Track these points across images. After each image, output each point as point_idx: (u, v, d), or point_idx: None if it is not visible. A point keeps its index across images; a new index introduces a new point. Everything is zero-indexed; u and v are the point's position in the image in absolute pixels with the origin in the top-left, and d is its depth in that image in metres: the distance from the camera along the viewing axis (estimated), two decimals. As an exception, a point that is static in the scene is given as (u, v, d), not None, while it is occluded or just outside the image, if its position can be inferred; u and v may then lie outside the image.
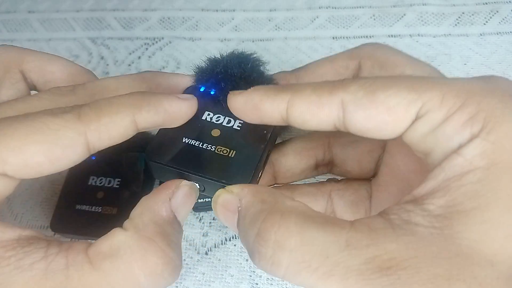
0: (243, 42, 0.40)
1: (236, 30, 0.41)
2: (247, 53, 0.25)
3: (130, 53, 0.41)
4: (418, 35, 0.38)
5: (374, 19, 0.39)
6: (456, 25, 0.38)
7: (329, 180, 0.26)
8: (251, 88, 0.20)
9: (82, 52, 0.42)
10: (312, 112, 0.18)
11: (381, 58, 0.23)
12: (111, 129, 0.19)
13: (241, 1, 0.43)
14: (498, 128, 0.16)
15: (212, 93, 0.24)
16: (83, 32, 0.43)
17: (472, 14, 0.38)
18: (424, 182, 0.17)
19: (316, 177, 0.26)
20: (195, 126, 0.23)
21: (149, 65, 0.39)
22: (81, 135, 0.18)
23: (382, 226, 0.16)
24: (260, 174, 0.22)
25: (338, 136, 0.24)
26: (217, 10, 0.43)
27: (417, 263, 0.15)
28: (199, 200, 0.29)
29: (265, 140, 0.23)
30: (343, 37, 0.39)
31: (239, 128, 0.23)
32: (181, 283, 0.28)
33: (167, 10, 0.43)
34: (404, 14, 0.39)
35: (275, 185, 0.26)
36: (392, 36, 0.38)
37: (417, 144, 0.18)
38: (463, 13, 0.38)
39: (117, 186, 0.29)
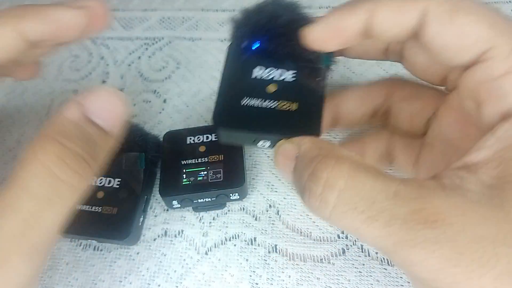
0: (243, 42, 0.40)
1: (236, 30, 0.41)
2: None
3: (130, 53, 0.41)
4: (418, 35, 0.37)
5: (374, 19, 0.39)
6: (456, 25, 0.38)
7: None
8: (326, 14, 0.20)
9: (82, 52, 0.42)
10: (395, 17, 0.18)
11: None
12: None
13: (241, 1, 0.43)
14: None
15: (257, 46, 0.23)
16: (83, 32, 0.43)
17: (472, 14, 0.38)
18: (478, 150, 0.17)
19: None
20: (250, 86, 0.23)
21: (149, 65, 0.39)
22: None
23: (432, 186, 0.16)
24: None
25: (397, 89, 0.25)
26: (217, 10, 0.43)
27: (464, 221, 0.15)
28: (199, 200, 0.29)
29: (322, 87, 0.22)
30: (343, 37, 0.38)
31: (293, 79, 0.23)
32: (181, 283, 0.28)
33: (167, 10, 0.43)
34: (404, 14, 0.39)
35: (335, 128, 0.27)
36: (392, 36, 0.38)
37: (472, 90, 0.18)
38: (463, 13, 0.38)
39: (117, 186, 0.29)
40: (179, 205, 0.29)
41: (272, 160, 0.32)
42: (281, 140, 0.21)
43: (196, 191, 0.28)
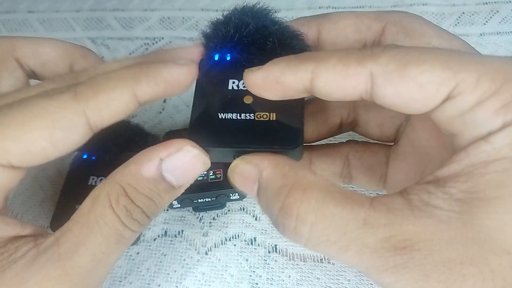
0: (243, 42, 0.40)
1: (236, 30, 0.41)
2: (250, 5, 0.23)
3: (130, 53, 0.41)
4: (418, 35, 0.37)
5: (374, 19, 0.39)
6: (456, 25, 0.38)
7: (348, 142, 0.26)
8: (270, 62, 0.19)
9: (82, 52, 0.42)
10: (338, 83, 0.17)
11: (407, 26, 0.22)
12: (111, 105, 0.18)
13: (241, 1, 0.43)
14: None
15: (228, 58, 0.22)
16: (83, 32, 0.43)
17: (472, 14, 0.38)
18: (447, 165, 0.16)
19: (336, 137, 0.26)
20: (226, 98, 0.22)
21: (149, 65, 0.39)
22: (81, 115, 0.18)
23: (400, 207, 0.16)
24: None
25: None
26: (217, 10, 0.43)
27: (432, 245, 0.15)
28: (199, 200, 0.29)
29: (301, 97, 0.21)
30: (343, 37, 0.38)
31: None
32: (181, 283, 0.28)
33: (167, 10, 0.43)
34: (404, 14, 0.39)
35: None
36: (392, 36, 0.38)
37: (444, 123, 0.17)
38: (463, 13, 0.38)
39: (117, 186, 0.29)
40: (179, 205, 0.29)
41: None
42: (237, 159, 0.20)
43: (196, 191, 0.28)
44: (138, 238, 0.29)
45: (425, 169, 0.22)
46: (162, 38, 0.41)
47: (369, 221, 0.16)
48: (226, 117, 0.21)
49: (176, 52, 0.22)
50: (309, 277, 0.27)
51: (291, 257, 0.28)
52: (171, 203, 0.29)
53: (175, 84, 0.20)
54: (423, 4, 0.39)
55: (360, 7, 0.40)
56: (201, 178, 0.28)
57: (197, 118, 0.22)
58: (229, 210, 0.30)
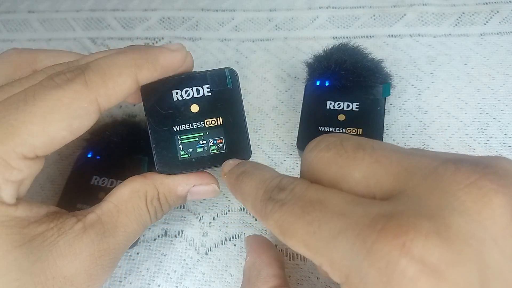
0: (243, 42, 0.40)
1: (236, 30, 0.41)
2: (349, 44, 0.31)
3: (130, 53, 0.41)
4: (419, 35, 0.38)
5: (374, 19, 0.39)
6: (456, 25, 0.38)
7: None
8: None
9: (82, 52, 0.41)
10: None
11: None
12: (118, 90, 0.20)
13: (241, 1, 0.43)
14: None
15: (327, 84, 0.30)
16: (83, 32, 0.43)
17: (473, 14, 0.38)
18: None
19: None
20: (325, 115, 0.29)
21: (149, 65, 0.39)
22: (94, 103, 0.20)
23: None
24: None
25: None
26: (217, 10, 0.43)
27: None
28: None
29: (381, 115, 0.29)
30: (343, 37, 0.39)
31: (358, 110, 0.29)
32: (181, 283, 0.28)
33: (167, 10, 0.43)
34: (404, 14, 0.39)
35: None
36: (392, 36, 0.38)
37: None
38: (463, 13, 0.38)
39: (118, 188, 0.29)
40: None
41: (271, 159, 0.32)
42: None
43: (198, 167, 0.25)
44: (138, 240, 0.29)
45: None
46: (162, 38, 0.41)
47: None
48: (324, 130, 0.29)
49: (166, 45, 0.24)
50: (309, 277, 0.27)
51: (291, 257, 0.28)
52: None
53: (169, 68, 0.23)
54: (423, 4, 0.39)
55: (360, 7, 0.40)
56: (200, 149, 0.25)
57: (303, 128, 0.29)
58: (229, 210, 0.30)
